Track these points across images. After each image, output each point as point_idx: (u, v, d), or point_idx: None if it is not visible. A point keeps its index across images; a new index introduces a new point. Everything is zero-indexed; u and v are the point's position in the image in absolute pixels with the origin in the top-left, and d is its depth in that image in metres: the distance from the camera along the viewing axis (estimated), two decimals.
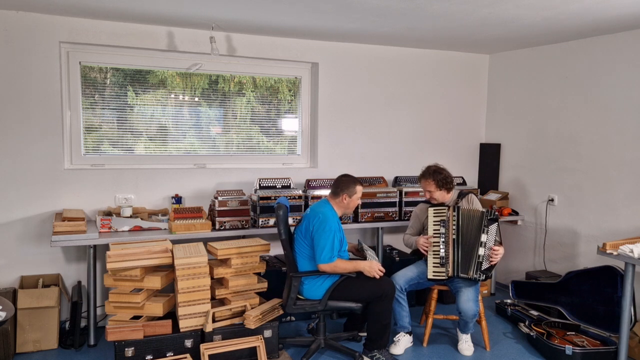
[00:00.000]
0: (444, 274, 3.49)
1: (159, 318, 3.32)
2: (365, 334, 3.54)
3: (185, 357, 3.18)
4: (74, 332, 3.59)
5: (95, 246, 3.56)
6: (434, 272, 3.52)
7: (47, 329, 3.53)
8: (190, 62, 4.21)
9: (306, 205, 4.03)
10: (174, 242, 3.60)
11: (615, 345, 3.40)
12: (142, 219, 3.81)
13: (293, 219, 3.91)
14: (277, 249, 4.15)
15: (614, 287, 3.72)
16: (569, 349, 3.36)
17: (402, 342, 3.62)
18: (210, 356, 3.18)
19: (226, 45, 4.17)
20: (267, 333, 3.40)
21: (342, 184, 3.40)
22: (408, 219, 4.22)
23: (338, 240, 3.30)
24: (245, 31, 4.14)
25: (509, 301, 4.36)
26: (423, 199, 4.02)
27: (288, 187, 4.13)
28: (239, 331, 3.34)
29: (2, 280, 3.71)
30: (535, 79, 4.69)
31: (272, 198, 3.93)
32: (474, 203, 3.69)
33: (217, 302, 3.52)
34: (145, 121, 4.19)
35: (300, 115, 4.67)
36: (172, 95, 4.26)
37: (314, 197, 4.08)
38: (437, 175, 3.63)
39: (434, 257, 3.52)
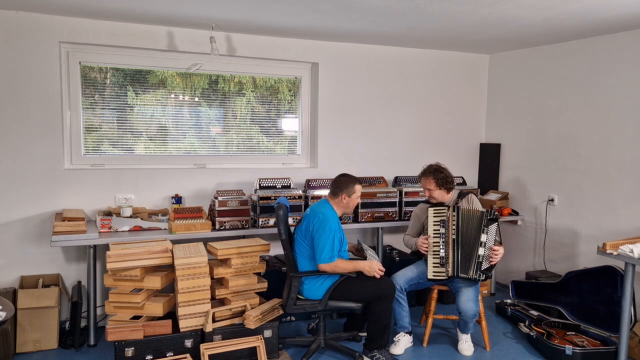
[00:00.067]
0: (443, 274, 3.49)
1: (159, 318, 3.32)
2: (365, 334, 3.54)
3: (185, 357, 3.18)
4: (74, 332, 3.59)
5: (95, 246, 3.56)
6: (434, 272, 3.52)
7: (47, 329, 3.53)
8: (190, 62, 4.21)
9: (306, 205, 4.03)
10: (174, 242, 3.60)
11: (615, 345, 3.40)
12: (142, 219, 3.81)
13: (293, 219, 3.91)
14: (277, 249, 4.15)
15: (614, 287, 3.72)
16: (569, 349, 3.36)
17: (402, 342, 3.62)
18: (210, 356, 3.18)
19: (226, 45, 4.17)
20: (267, 333, 3.40)
21: (341, 183, 3.40)
22: (408, 219, 4.22)
23: (338, 240, 3.30)
24: (245, 31, 4.14)
25: (509, 301, 4.37)
26: (423, 199, 4.02)
27: (288, 187, 4.13)
28: (239, 331, 3.34)
29: (2, 280, 3.72)
30: (535, 79, 4.69)
31: (272, 198, 3.93)
32: (474, 203, 3.69)
33: (217, 302, 3.52)
34: (145, 121, 4.19)
35: (300, 115, 4.67)
36: (172, 95, 4.26)
37: (314, 197, 4.08)
38: (437, 174, 3.63)
39: (433, 257, 3.52)
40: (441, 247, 3.49)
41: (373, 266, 3.34)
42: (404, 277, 3.64)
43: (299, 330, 4.00)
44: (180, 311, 3.26)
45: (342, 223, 3.55)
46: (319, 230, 3.25)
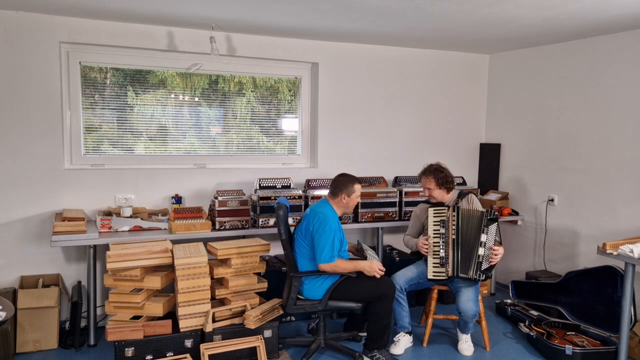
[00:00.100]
0: (443, 274, 3.49)
1: (159, 318, 3.32)
2: (365, 334, 3.54)
3: (185, 357, 3.18)
4: (74, 332, 3.59)
5: (95, 246, 3.56)
6: (433, 272, 3.51)
7: (47, 329, 3.53)
8: (190, 62, 4.21)
9: (306, 205, 4.03)
10: (174, 242, 3.60)
11: (615, 345, 3.40)
12: (142, 219, 3.81)
13: (293, 219, 3.91)
14: (277, 249, 4.15)
15: (614, 287, 3.72)
16: (569, 349, 3.36)
17: (402, 342, 3.62)
18: (210, 356, 3.18)
19: (226, 45, 4.17)
20: (267, 333, 3.40)
21: (340, 183, 3.40)
22: (408, 219, 4.22)
23: (338, 240, 3.30)
24: (245, 31, 4.14)
25: (509, 301, 4.36)
26: (423, 199, 4.02)
27: (288, 187, 4.13)
28: (239, 331, 3.34)
29: (2, 280, 3.72)
30: (535, 79, 4.69)
31: (272, 198, 3.93)
32: (474, 203, 3.68)
33: (217, 302, 3.52)
34: (145, 121, 4.19)
35: (300, 115, 4.67)
36: (172, 95, 4.26)
37: (314, 197, 4.08)
38: (438, 173, 3.63)
39: (433, 257, 3.52)
40: (441, 247, 3.49)
41: (373, 266, 3.34)
42: (404, 277, 3.64)
43: (299, 330, 4.00)
44: (180, 311, 3.26)
45: (342, 223, 3.55)
46: (319, 230, 3.25)
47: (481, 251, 3.41)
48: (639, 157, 3.84)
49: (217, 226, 3.80)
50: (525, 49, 4.76)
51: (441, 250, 3.49)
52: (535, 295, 4.24)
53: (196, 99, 4.33)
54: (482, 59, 5.16)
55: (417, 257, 4.11)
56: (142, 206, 4.03)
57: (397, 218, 4.39)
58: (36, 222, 3.77)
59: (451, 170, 3.75)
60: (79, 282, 3.88)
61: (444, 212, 3.53)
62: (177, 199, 4.07)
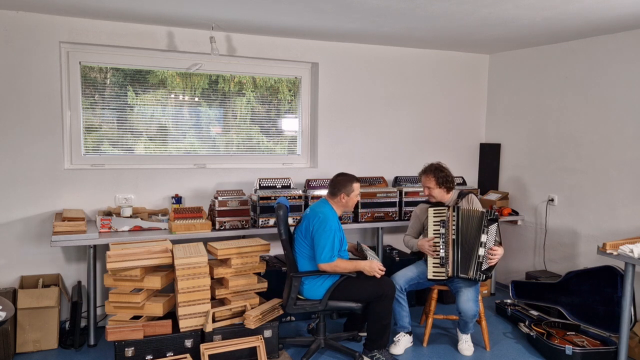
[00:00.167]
0: (443, 274, 3.49)
1: (159, 318, 3.32)
2: (365, 334, 3.54)
3: (185, 357, 3.18)
4: (74, 332, 3.59)
5: (95, 246, 3.56)
6: (433, 272, 3.52)
7: (47, 329, 3.53)
8: (190, 62, 4.21)
9: (306, 205, 4.03)
10: (174, 242, 3.60)
11: (615, 345, 3.40)
12: (142, 219, 3.81)
13: (293, 219, 3.91)
14: (277, 249, 4.15)
15: (614, 287, 3.72)
16: (569, 349, 3.36)
17: (402, 342, 3.62)
18: (210, 356, 3.18)
19: (226, 45, 4.17)
20: (267, 333, 3.40)
21: (339, 183, 3.40)
22: (408, 219, 4.22)
23: (338, 240, 3.30)
24: (245, 31, 4.14)
25: (509, 301, 4.36)
26: (423, 199, 4.02)
27: (288, 187, 4.13)
28: (239, 331, 3.34)
29: (2, 280, 3.71)
30: (535, 79, 4.69)
31: (272, 198, 3.93)
32: (474, 203, 3.68)
33: (217, 302, 3.52)
34: (145, 121, 4.19)
35: (300, 115, 4.67)
36: (172, 95, 4.26)
37: (313, 197, 4.08)
38: (438, 172, 3.64)
39: (433, 257, 3.52)
40: (441, 247, 3.49)
41: (373, 266, 3.34)
42: (404, 277, 3.64)
43: (299, 330, 4.00)
44: (180, 311, 3.26)
45: (342, 223, 3.55)
46: (319, 230, 3.25)
47: (481, 251, 3.41)
48: (639, 157, 3.84)
49: (217, 226, 3.80)
50: (525, 49, 4.76)
51: (441, 250, 3.49)
52: (535, 295, 4.24)
53: (196, 99, 4.33)
54: (482, 59, 5.16)
55: (417, 257, 4.11)
56: (142, 206, 4.03)
57: (397, 218, 4.39)
58: (36, 222, 3.77)
59: (451, 170, 3.75)
60: (79, 282, 3.88)
61: (444, 212, 3.53)
62: (177, 199, 4.07)
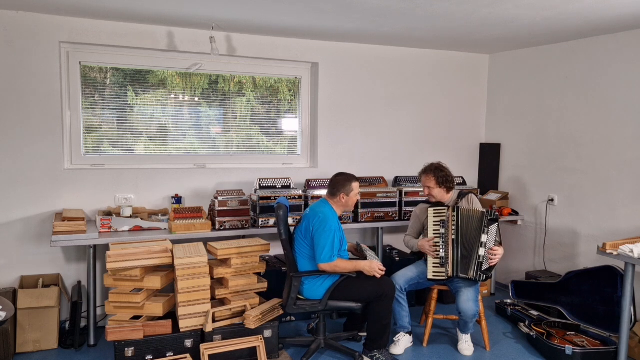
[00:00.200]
0: (443, 274, 3.49)
1: (159, 318, 3.32)
2: (365, 334, 3.54)
3: (185, 357, 3.18)
4: (74, 332, 3.59)
5: (95, 246, 3.56)
6: (433, 272, 3.52)
7: (47, 329, 3.53)
8: (190, 62, 4.21)
9: (306, 205, 4.03)
10: (174, 242, 3.60)
11: (615, 345, 3.40)
12: (142, 219, 3.81)
13: (293, 219, 3.91)
14: (277, 249, 4.15)
15: (614, 287, 3.72)
16: (569, 349, 3.36)
17: (402, 342, 3.62)
18: (210, 356, 3.18)
19: (226, 45, 4.17)
20: (267, 333, 3.40)
21: (338, 184, 3.40)
22: (408, 219, 4.22)
23: (338, 240, 3.30)
24: (245, 31, 4.14)
25: (509, 301, 4.36)
26: (423, 199, 4.02)
27: (288, 187, 4.13)
28: (239, 331, 3.34)
29: (2, 280, 3.71)
30: (535, 79, 4.69)
31: (272, 198, 3.93)
32: (474, 203, 3.68)
33: (217, 302, 3.52)
34: (145, 121, 4.19)
35: (300, 115, 4.67)
36: (172, 95, 4.26)
37: (313, 197, 4.08)
38: (438, 172, 3.64)
39: (433, 257, 3.52)
40: (441, 247, 3.49)
41: (373, 266, 3.34)
42: (404, 277, 3.64)
43: (299, 330, 4.00)
44: (180, 311, 3.26)
45: (342, 223, 3.55)
46: (319, 230, 3.25)
47: (482, 251, 3.41)
48: (639, 157, 3.84)
49: (217, 226, 3.80)
50: (525, 49, 4.76)
51: (441, 250, 3.49)
52: (535, 295, 4.24)
53: (196, 99, 4.33)
54: (482, 59, 5.16)
55: (417, 257, 4.11)
56: (142, 206, 4.03)
57: (397, 218, 4.38)
58: (36, 222, 3.77)
59: (451, 170, 3.75)
60: (79, 282, 3.88)
61: (444, 212, 3.53)
62: (177, 199, 4.07)
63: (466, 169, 5.19)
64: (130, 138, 4.15)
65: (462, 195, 3.73)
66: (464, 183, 4.76)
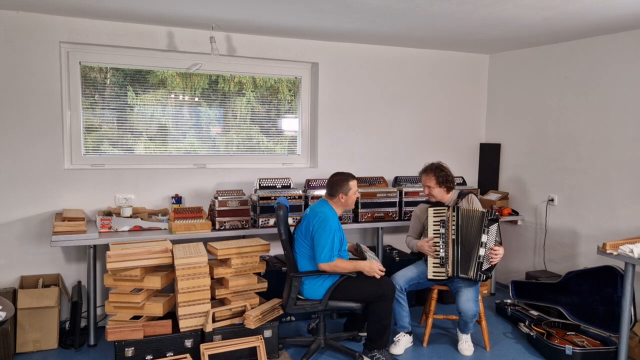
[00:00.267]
0: (443, 274, 3.49)
1: (159, 318, 3.32)
2: (365, 334, 3.54)
3: (185, 357, 3.18)
4: (74, 332, 3.59)
5: (95, 246, 3.56)
6: (433, 272, 3.52)
7: (47, 329, 3.53)
8: (190, 62, 4.21)
9: (306, 205, 4.04)
10: (174, 242, 3.60)
11: (615, 345, 3.40)
12: (142, 219, 3.81)
13: (293, 219, 3.91)
14: (277, 249, 4.15)
15: (614, 287, 3.72)
16: (569, 349, 3.36)
17: (402, 342, 3.62)
18: (210, 356, 3.18)
19: (226, 45, 4.17)
20: (267, 333, 3.40)
21: (336, 184, 3.41)
22: (408, 219, 4.22)
23: (338, 240, 3.30)
24: (245, 31, 4.14)
25: (509, 301, 4.36)
26: (423, 199, 4.02)
27: (288, 187, 4.13)
28: (239, 331, 3.34)
29: (2, 280, 3.71)
30: (535, 79, 4.69)
31: (272, 198, 3.93)
32: (474, 203, 3.68)
33: (217, 302, 3.52)
34: (145, 121, 4.19)
35: (300, 115, 4.67)
36: (172, 95, 4.26)
37: (313, 197, 4.08)
38: (438, 171, 3.64)
39: (433, 257, 3.52)
40: (441, 247, 3.49)
41: (373, 266, 3.34)
42: (404, 277, 3.64)
43: (299, 330, 4.00)
44: (180, 311, 3.26)
45: (342, 223, 3.55)
46: (319, 229, 3.25)
47: (482, 251, 3.41)
48: (639, 157, 3.84)
49: (217, 226, 3.80)
50: (525, 49, 4.76)
51: (441, 250, 3.49)
52: (535, 295, 4.24)
53: (196, 99, 4.34)
54: (482, 59, 5.16)
55: (417, 257, 4.11)
56: (142, 206, 4.03)
57: (397, 218, 4.38)
58: (36, 222, 3.77)
59: (451, 170, 3.75)
60: (79, 282, 3.88)
61: (444, 212, 3.53)
62: (177, 199, 4.07)
63: (466, 169, 5.19)
64: (130, 138, 4.15)
65: (462, 195, 3.73)
66: (464, 183, 4.76)
